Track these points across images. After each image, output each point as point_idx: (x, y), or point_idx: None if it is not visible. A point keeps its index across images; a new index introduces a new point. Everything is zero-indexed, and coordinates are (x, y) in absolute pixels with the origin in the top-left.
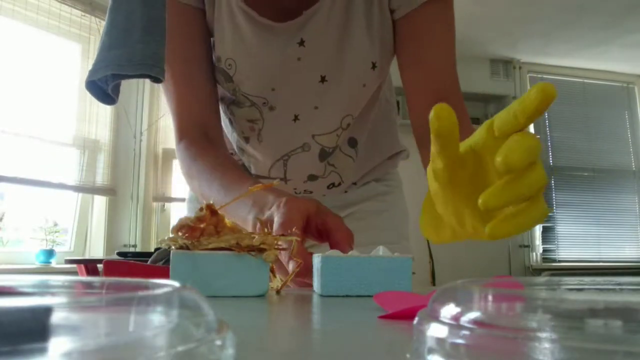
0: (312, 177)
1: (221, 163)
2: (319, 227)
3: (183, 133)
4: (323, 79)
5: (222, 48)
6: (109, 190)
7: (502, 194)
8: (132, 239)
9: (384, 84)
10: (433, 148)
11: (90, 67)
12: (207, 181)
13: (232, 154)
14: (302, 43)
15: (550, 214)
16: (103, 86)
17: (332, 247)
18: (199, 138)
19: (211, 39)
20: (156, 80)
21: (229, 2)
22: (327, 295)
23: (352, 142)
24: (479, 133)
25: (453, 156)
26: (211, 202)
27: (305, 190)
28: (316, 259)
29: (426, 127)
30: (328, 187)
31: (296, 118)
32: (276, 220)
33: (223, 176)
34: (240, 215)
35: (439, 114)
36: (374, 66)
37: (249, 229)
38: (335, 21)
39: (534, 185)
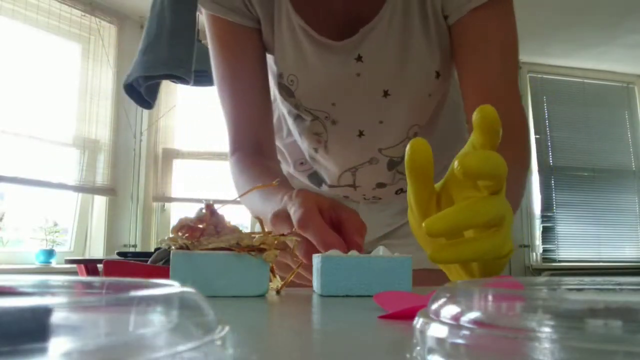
0: (380, 185)
1: (265, 175)
2: (332, 220)
3: (235, 147)
4: (386, 94)
5: (284, 65)
6: (109, 190)
7: (446, 219)
8: (132, 239)
9: (451, 86)
10: (408, 180)
11: (90, 66)
12: (250, 193)
13: (302, 163)
14: (359, 59)
15: (510, 251)
16: (139, 89)
17: (344, 239)
18: (250, 152)
19: (270, 55)
20: (183, 81)
21: (289, 20)
22: (327, 295)
23: None
24: (450, 170)
25: (424, 192)
26: (252, 210)
27: (373, 197)
28: (316, 259)
29: None
30: (396, 193)
31: (361, 134)
32: (292, 211)
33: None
34: (265, 216)
35: (414, 149)
36: (437, 75)
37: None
38: (392, 36)
39: (483, 214)
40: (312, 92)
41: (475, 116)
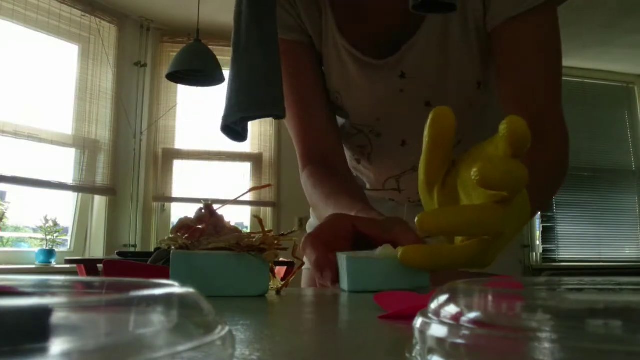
0: None
1: (336, 191)
2: (384, 240)
3: (305, 162)
4: (428, 104)
5: (330, 81)
6: (109, 190)
7: (441, 221)
8: (132, 239)
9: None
10: (424, 147)
11: (90, 66)
12: (324, 209)
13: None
14: (403, 76)
15: (484, 267)
16: (234, 127)
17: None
18: (319, 165)
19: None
20: (278, 117)
21: (334, 40)
22: (354, 291)
23: None
24: (468, 153)
25: (435, 160)
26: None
27: (419, 200)
28: (341, 258)
29: None
30: None
31: (404, 143)
32: (308, 253)
33: (336, 205)
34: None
35: (438, 115)
36: (479, 85)
37: None
38: (433, 49)
39: (480, 226)
40: (357, 109)
41: (502, 127)
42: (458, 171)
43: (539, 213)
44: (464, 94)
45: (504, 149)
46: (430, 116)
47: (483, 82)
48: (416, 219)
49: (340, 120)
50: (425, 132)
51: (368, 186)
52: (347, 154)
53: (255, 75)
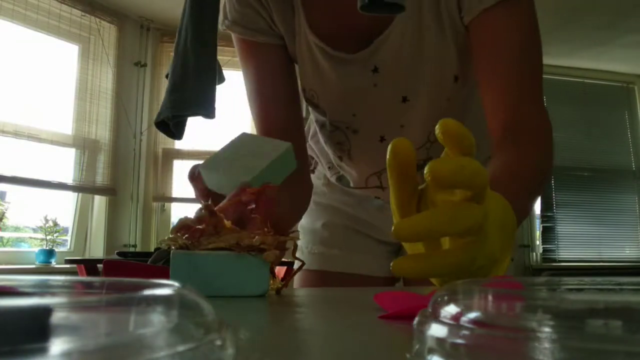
0: None
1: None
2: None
3: None
4: (405, 99)
5: (305, 80)
6: (109, 190)
7: (415, 224)
8: (132, 239)
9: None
10: (389, 180)
11: (90, 66)
12: None
13: (330, 167)
14: (376, 70)
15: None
16: (168, 122)
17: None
18: None
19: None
20: (207, 117)
21: (306, 38)
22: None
23: None
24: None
25: (404, 193)
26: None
27: None
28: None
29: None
30: None
31: (382, 139)
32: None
33: None
34: None
35: (396, 148)
36: (456, 79)
37: None
38: (407, 44)
39: (456, 221)
40: (332, 106)
41: (437, 132)
42: (427, 195)
43: (539, 213)
44: (440, 89)
45: (449, 152)
46: (389, 150)
47: (461, 76)
48: (392, 228)
49: (321, 119)
50: (388, 167)
51: (352, 184)
52: (329, 152)
53: (189, 76)
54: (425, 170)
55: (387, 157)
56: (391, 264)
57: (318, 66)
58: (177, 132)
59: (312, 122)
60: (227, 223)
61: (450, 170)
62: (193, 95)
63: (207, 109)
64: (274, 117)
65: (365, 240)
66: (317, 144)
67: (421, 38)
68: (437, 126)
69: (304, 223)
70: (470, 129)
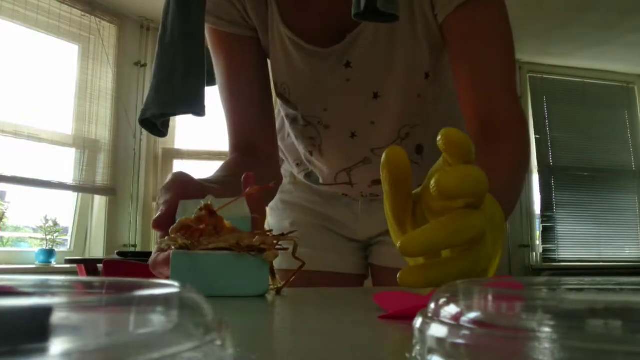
0: (376, 182)
1: (221, 176)
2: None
3: (230, 151)
4: (376, 95)
5: (276, 73)
6: (109, 190)
7: (422, 239)
8: (132, 238)
9: (450, 81)
10: (384, 188)
11: (90, 66)
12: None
13: (298, 164)
14: (348, 65)
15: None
16: (154, 121)
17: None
18: (241, 155)
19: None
20: (197, 114)
21: (279, 31)
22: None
23: (419, 149)
24: (427, 179)
25: (399, 201)
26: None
27: (371, 194)
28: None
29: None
30: None
31: (353, 135)
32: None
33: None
34: None
35: (390, 157)
36: (427, 76)
37: None
38: (379, 40)
39: (461, 233)
40: (304, 100)
41: (439, 142)
42: (422, 200)
43: (539, 213)
44: (411, 85)
45: (450, 161)
46: (384, 157)
47: (432, 73)
48: (398, 245)
49: (292, 113)
50: (382, 175)
51: (321, 181)
52: (300, 147)
53: (176, 72)
54: (432, 183)
55: (382, 164)
56: (397, 276)
57: (291, 59)
58: (163, 129)
59: (284, 119)
60: (227, 223)
61: (456, 182)
62: (182, 92)
63: (197, 107)
64: (246, 109)
65: (334, 237)
66: (283, 141)
67: (394, 34)
68: (439, 136)
69: (271, 222)
70: (438, 124)
